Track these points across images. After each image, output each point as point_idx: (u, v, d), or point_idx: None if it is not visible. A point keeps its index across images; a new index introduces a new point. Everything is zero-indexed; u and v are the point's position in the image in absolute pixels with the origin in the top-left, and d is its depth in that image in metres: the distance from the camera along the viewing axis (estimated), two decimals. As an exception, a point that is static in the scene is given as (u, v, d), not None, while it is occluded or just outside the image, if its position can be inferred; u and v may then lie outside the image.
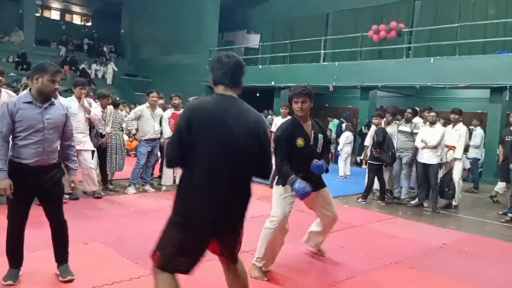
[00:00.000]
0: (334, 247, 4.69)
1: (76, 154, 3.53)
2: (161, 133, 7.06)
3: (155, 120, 6.90)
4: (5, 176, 3.00)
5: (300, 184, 3.35)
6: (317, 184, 3.78)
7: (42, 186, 3.14)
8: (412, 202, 7.25)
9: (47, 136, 3.11)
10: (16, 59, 18.44)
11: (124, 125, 7.20)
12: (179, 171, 7.20)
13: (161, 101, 7.99)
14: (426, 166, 6.97)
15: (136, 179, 6.85)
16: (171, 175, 7.21)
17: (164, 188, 7.13)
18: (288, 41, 16.48)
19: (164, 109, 7.43)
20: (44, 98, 3.13)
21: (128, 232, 4.71)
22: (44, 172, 3.13)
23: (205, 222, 2.22)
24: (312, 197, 3.67)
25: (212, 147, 2.16)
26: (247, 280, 2.58)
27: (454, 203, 7.21)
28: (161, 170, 7.47)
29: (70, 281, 3.28)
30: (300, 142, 3.59)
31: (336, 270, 4.00)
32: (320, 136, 3.76)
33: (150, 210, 5.82)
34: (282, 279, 3.70)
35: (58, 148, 3.29)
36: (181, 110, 7.19)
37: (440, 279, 3.94)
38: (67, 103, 5.77)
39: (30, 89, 3.19)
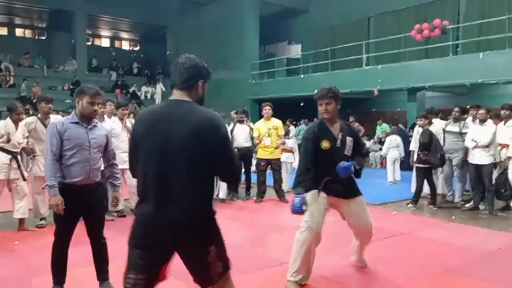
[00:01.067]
0: (377, 256, 4.50)
1: (119, 172, 3.68)
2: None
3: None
4: (57, 192, 3.14)
5: (300, 200, 3.27)
6: (348, 191, 3.62)
7: (87, 204, 3.28)
8: (467, 205, 6.86)
9: (92, 155, 3.29)
10: (71, 87, 19.52)
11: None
12: (223, 185, 7.27)
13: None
14: (478, 167, 6.59)
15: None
16: (225, 188, 7.30)
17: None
18: (329, 49, 16.33)
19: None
20: (86, 119, 3.30)
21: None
22: (89, 190, 3.28)
23: (143, 232, 2.12)
24: (341, 205, 3.55)
25: (147, 153, 2.11)
26: None
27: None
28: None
29: None
30: (325, 144, 3.50)
31: (379, 281, 3.82)
32: (349, 138, 3.62)
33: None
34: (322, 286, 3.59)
35: (101, 168, 3.46)
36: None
37: (493, 286, 3.66)
38: (111, 124, 6.03)
39: (75, 111, 3.38)
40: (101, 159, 3.42)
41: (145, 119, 2.20)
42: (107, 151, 3.47)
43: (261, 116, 8.05)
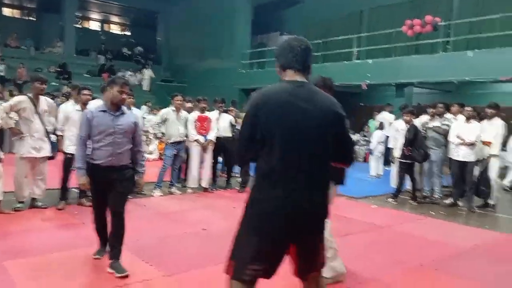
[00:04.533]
0: (356, 248, 4.53)
1: (144, 159, 3.88)
2: (187, 136, 7.09)
3: (180, 123, 6.94)
4: (84, 173, 3.53)
5: None
6: None
7: (109, 182, 3.53)
8: (446, 201, 6.91)
9: (116, 140, 3.54)
10: (57, 69, 19.20)
11: (151, 129, 7.29)
12: (205, 174, 7.24)
13: (188, 105, 8.04)
14: (462, 164, 6.63)
15: (162, 182, 6.91)
16: (196, 178, 7.23)
17: (189, 190, 7.16)
18: (321, 41, 16.27)
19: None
20: (115, 106, 3.57)
21: (148, 234, 4.74)
22: (113, 171, 3.52)
23: (280, 218, 2.03)
24: None
25: (285, 135, 2.02)
26: None
27: (491, 202, 6.79)
28: (186, 172, 7.50)
29: (126, 276, 3.45)
30: None
31: (356, 273, 3.83)
32: None
33: (172, 212, 5.86)
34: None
35: (127, 152, 3.65)
36: (207, 113, 7.24)
37: (465, 283, 3.70)
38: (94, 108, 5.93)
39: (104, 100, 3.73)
40: (128, 144, 3.62)
41: (271, 101, 2.07)
42: (135, 138, 3.69)
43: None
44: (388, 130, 10.53)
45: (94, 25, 27.64)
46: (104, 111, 3.57)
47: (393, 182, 7.87)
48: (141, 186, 3.94)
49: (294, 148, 2.03)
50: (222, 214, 5.84)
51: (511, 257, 4.53)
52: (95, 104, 6.05)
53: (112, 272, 3.48)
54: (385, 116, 11.02)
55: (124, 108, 3.71)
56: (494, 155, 6.70)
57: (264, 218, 2.05)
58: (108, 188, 3.55)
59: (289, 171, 2.03)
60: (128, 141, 3.64)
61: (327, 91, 3.41)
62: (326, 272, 3.37)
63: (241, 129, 2.17)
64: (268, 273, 2.08)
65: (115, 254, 3.56)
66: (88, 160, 3.55)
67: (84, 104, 5.64)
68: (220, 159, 7.84)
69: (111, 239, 3.63)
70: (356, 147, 13.63)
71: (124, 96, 3.60)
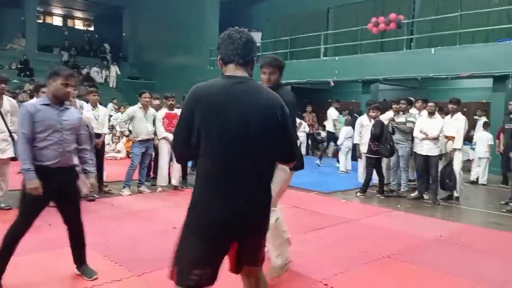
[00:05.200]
0: (326, 242, 4.61)
1: (92, 157, 3.60)
2: (155, 133, 7.00)
3: (148, 121, 6.84)
4: (34, 176, 3.08)
5: None
6: None
7: (61, 188, 3.22)
8: (412, 194, 7.11)
9: (65, 137, 3.22)
10: (19, 66, 18.56)
11: (118, 127, 7.15)
12: (175, 172, 7.16)
13: (156, 102, 7.92)
14: (426, 158, 6.82)
15: (131, 181, 6.80)
16: (166, 176, 7.14)
17: (159, 189, 7.07)
18: (288, 38, 16.38)
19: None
20: (59, 101, 3.24)
21: (116, 234, 4.65)
22: (64, 173, 3.22)
23: (224, 221, 1.95)
24: None
25: (223, 136, 1.92)
26: None
27: (455, 194, 7.03)
28: (155, 171, 7.41)
29: (96, 279, 3.36)
30: None
31: (326, 266, 3.89)
32: None
33: (142, 211, 5.77)
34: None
35: (75, 151, 3.37)
36: (176, 110, 7.15)
37: (431, 273, 3.81)
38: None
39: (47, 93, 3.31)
40: (75, 142, 3.33)
41: (207, 97, 1.94)
42: (79, 134, 3.38)
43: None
44: (328, 123, 10.76)
45: (57, 21, 26.88)
46: (47, 104, 3.20)
47: (361, 177, 8.04)
48: (94, 187, 3.67)
49: (234, 149, 1.94)
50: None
51: (474, 247, 4.70)
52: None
53: (96, 278, 3.39)
54: (330, 112, 11.08)
55: (68, 103, 3.38)
56: (458, 149, 6.94)
57: (205, 222, 1.97)
58: (58, 195, 3.25)
59: (228, 173, 1.95)
60: (75, 138, 3.33)
61: (280, 72, 3.45)
62: (277, 260, 3.45)
63: (177, 126, 2.05)
64: (212, 279, 2.00)
65: (84, 258, 3.46)
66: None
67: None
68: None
69: (77, 246, 3.44)
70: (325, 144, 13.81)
71: (69, 89, 3.25)
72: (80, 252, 3.44)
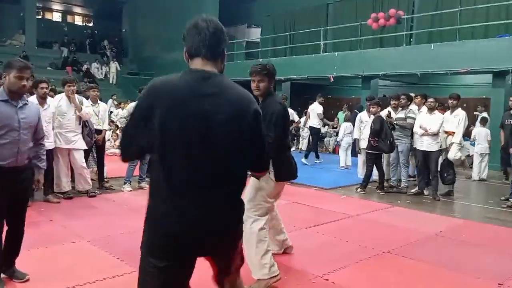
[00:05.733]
0: (326, 237, 4.64)
1: (45, 153, 3.46)
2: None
3: (148, 117, 6.84)
4: None
5: None
6: None
7: (15, 187, 3.04)
8: (412, 190, 7.13)
9: (22, 136, 3.03)
10: (19, 62, 18.54)
11: (118, 123, 7.16)
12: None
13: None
14: (426, 154, 6.84)
15: (132, 177, 6.82)
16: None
17: (160, 184, 7.08)
18: (288, 33, 16.36)
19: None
20: (16, 95, 3.03)
21: (117, 229, 4.67)
22: (17, 173, 3.03)
23: (180, 237, 1.71)
24: None
25: (185, 137, 1.65)
26: None
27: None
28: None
29: (28, 280, 3.22)
30: None
31: (326, 261, 3.92)
32: None
33: (143, 207, 5.66)
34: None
35: (30, 150, 3.20)
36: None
37: (430, 268, 3.84)
38: (56, 102, 5.77)
39: (3, 88, 3.10)
40: (32, 140, 3.17)
41: (167, 94, 1.68)
42: (37, 131, 3.25)
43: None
44: (313, 119, 10.54)
45: (56, 16, 26.82)
46: (4, 101, 2.99)
47: (360, 173, 8.07)
48: (40, 184, 3.48)
49: (193, 155, 1.66)
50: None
51: (474, 242, 4.72)
52: (57, 99, 5.91)
53: (10, 278, 3.19)
54: (313, 107, 10.69)
55: (25, 97, 3.18)
56: (456, 143, 6.94)
57: (160, 239, 1.73)
58: (11, 194, 3.03)
59: (184, 185, 1.68)
60: (32, 137, 3.16)
61: (270, 79, 3.36)
62: (259, 275, 3.23)
63: (128, 121, 1.80)
64: None
65: (14, 261, 3.24)
66: None
67: (42, 98, 5.39)
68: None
69: (12, 248, 3.17)
70: (326, 139, 13.85)
71: (25, 82, 3.01)
72: (14, 254, 3.22)
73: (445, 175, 6.85)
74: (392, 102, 7.58)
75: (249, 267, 3.24)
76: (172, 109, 1.65)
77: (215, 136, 1.68)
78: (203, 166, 1.68)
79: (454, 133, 6.99)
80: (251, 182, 3.27)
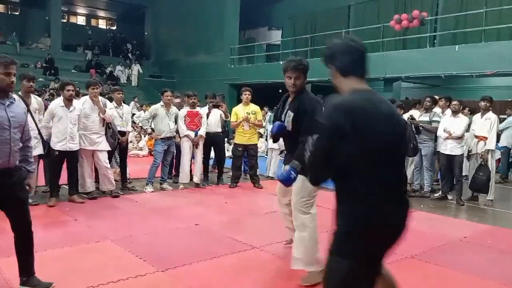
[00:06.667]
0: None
1: (32, 156, 3.25)
2: (177, 131, 7.08)
3: (170, 119, 6.92)
4: None
5: (291, 169, 3.21)
6: None
7: (7, 191, 2.91)
8: (436, 194, 7.01)
9: (13, 136, 2.90)
10: (44, 65, 18.99)
11: (140, 125, 7.25)
12: (197, 170, 7.22)
13: (177, 100, 8.02)
14: (450, 157, 6.71)
15: (153, 178, 6.90)
16: (188, 173, 7.21)
17: (181, 186, 7.15)
18: (308, 36, 16.32)
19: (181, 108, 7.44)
20: (2, 93, 2.91)
21: (140, 230, 4.73)
22: (9, 175, 2.91)
23: (387, 238, 1.91)
24: None
25: (382, 147, 1.83)
26: None
27: (489, 197, 6.69)
28: (177, 168, 7.49)
29: None
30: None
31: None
32: (290, 113, 3.40)
33: (165, 207, 5.86)
34: (291, 269, 3.62)
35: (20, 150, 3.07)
36: (198, 109, 7.21)
37: (455, 274, 3.77)
38: (80, 105, 5.89)
39: None
40: (20, 140, 3.00)
41: (361, 112, 1.82)
42: (24, 131, 3.05)
43: (238, 101, 8.00)
44: None
45: (81, 20, 27.38)
46: None
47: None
48: (32, 189, 3.27)
49: (390, 161, 1.89)
50: (215, 210, 5.86)
51: (500, 248, 4.61)
52: (82, 101, 6.04)
53: None
54: None
55: (12, 95, 3.03)
56: (491, 150, 6.67)
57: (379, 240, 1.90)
58: (4, 199, 2.91)
59: (389, 188, 1.88)
60: (21, 137, 2.99)
61: (305, 76, 3.39)
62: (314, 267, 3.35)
63: (318, 145, 1.89)
64: None
65: (32, 270, 3.07)
66: None
67: (68, 100, 5.58)
68: (212, 154, 7.84)
69: (24, 255, 3.02)
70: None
71: (13, 78, 2.92)
72: (29, 262, 3.05)
73: (478, 182, 6.57)
74: (416, 106, 7.45)
75: (302, 260, 3.36)
76: (378, 123, 1.82)
77: (397, 140, 1.94)
78: (394, 167, 1.92)
79: (485, 138, 6.65)
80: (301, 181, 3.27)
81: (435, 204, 6.62)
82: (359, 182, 1.82)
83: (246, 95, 7.40)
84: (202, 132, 7.17)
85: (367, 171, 1.81)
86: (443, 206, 6.55)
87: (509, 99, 12.43)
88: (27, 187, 3.09)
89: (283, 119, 3.51)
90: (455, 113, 6.74)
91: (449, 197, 6.88)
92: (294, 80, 3.35)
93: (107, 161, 6.20)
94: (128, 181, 7.00)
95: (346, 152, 1.78)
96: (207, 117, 7.37)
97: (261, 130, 8.41)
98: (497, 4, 11.95)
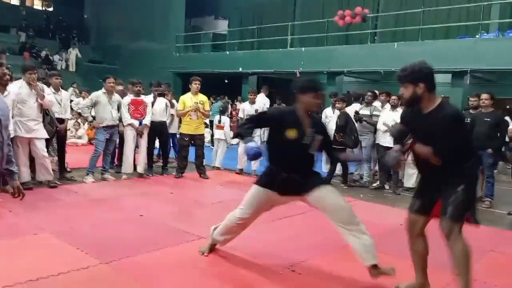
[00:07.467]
0: (293, 230, 4.71)
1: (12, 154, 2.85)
2: (120, 120, 6.87)
3: (112, 107, 6.69)
4: None
5: (254, 144, 3.27)
6: (304, 186, 3.49)
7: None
8: (374, 184, 7.33)
9: (4, 135, 2.57)
10: (-28, 46, 17.63)
11: (79, 112, 6.97)
12: (141, 160, 7.06)
13: (120, 88, 7.76)
14: (388, 149, 7.01)
15: (94, 168, 6.66)
16: (131, 163, 7.03)
17: (124, 176, 6.96)
18: (255, 27, 16.36)
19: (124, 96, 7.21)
20: None
21: (81, 221, 4.56)
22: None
23: None
24: (305, 200, 3.54)
25: None
26: None
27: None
28: (120, 158, 7.28)
29: None
30: (291, 133, 3.32)
31: (294, 253, 3.98)
32: (319, 136, 3.52)
33: (107, 198, 5.68)
34: (237, 260, 3.66)
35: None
36: (142, 97, 7.03)
37: (392, 259, 3.97)
38: (16, 89, 5.54)
39: None
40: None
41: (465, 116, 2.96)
42: (6, 128, 2.67)
43: (184, 90, 7.88)
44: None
45: (14, 0, 25.64)
46: None
47: (324, 166, 8.19)
48: (22, 193, 2.76)
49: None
50: (159, 200, 5.77)
51: (431, 234, 4.91)
52: (18, 85, 5.67)
53: None
54: (259, 99, 10.06)
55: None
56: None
57: None
58: None
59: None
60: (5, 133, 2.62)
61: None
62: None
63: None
64: None
65: None
66: None
67: (2, 85, 5.20)
68: (156, 144, 7.68)
69: None
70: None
71: (5, 69, 2.81)
72: None
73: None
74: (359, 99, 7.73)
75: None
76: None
77: None
78: None
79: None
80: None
81: (373, 194, 6.93)
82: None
83: (196, 85, 7.31)
84: (146, 121, 7.01)
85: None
86: (381, 195, 6.87)
87: (442, 95, 13.17)
88: (16, 190, 2.71)
89: (307, 142, 3.44)
90: (394, 107, 7.07)
91: (386, 187, 7.23)
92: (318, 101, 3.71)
93: (45, 149, 5.89)
94: (68, 170, 6.70)
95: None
96: (152, 105, 7.21)
97: (224, 119, 8.34)
98: (433, 5, 12.62)
